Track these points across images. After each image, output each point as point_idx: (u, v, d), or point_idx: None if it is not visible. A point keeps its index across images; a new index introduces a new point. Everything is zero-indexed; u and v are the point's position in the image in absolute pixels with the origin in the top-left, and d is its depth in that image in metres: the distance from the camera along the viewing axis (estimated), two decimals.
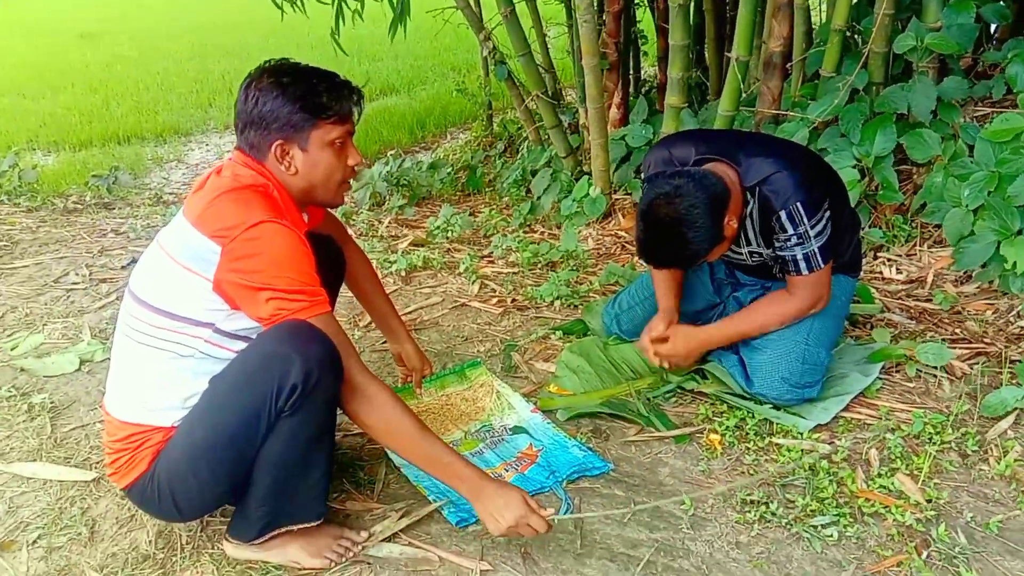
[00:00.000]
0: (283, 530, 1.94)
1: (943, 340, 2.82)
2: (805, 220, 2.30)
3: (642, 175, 2.57)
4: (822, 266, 2.37)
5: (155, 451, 1.84)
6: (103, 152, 7.54)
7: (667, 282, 2.64)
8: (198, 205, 1.79)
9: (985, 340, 2.83)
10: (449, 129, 8.12)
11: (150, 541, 2.04)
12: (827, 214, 2.34)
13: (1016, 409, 2.41)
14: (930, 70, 3.62)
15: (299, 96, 1.80)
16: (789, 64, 3.97)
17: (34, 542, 2.07)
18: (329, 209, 2.19)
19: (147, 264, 1.88)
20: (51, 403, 2.65)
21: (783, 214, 2.30)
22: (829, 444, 2.34)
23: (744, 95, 4.14)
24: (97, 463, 2.35)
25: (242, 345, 1.84)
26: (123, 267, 3.74)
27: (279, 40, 11.29)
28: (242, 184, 1.80)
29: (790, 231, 2.31)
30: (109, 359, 2.85)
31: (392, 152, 6.39)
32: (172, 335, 1.80)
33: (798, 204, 2.28)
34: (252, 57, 11.01)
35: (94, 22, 14.62)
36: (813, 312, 2.46)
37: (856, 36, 3.96)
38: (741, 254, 2.53)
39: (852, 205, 3.42)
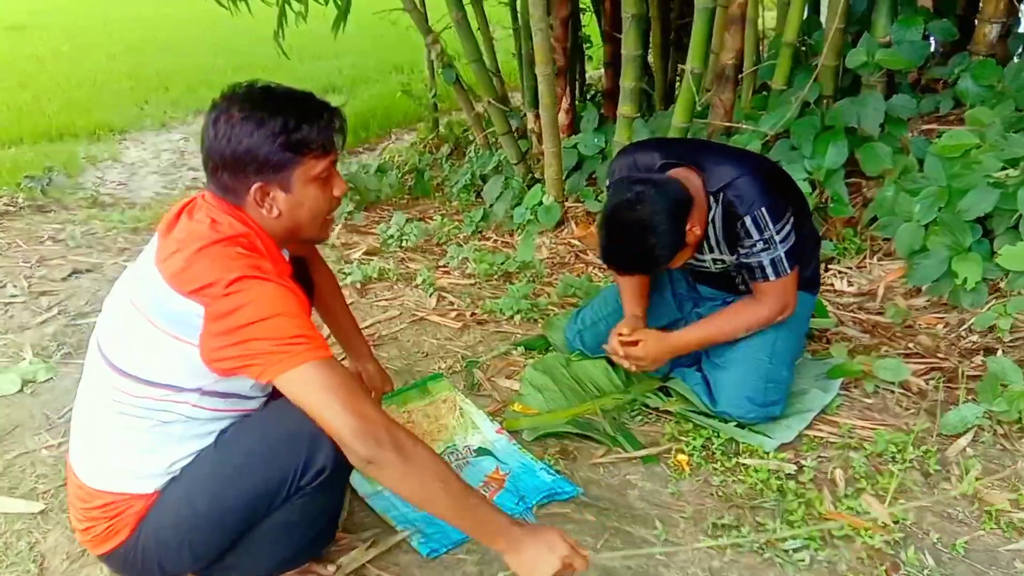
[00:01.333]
0: None
1: (897, 355, 2.86)
2: (770, 225, 2.30)
3: (607, 182, 2.55)
4: (788, 272, 2.37)
5: (137, 518, 1.70)
6: (34, 150, 7.27)
7: (633, 290, 2.63)
8: (175, 261, 1.59)
9: (939, 355, 2.88)
10: (393, 130, 8.03)
11: None
12: (791, 220, 2.35)
13: (975, 426, 2.45)
14: (878, 84, 3.68)
15: (278, 132, 1.59)
16: (740, 76, 4.00)
17: None
18: None
19: (118, 324, 1.67)
20: None
21: (748, 219, 2.30)
22: (794, 464, 2.35)
23: (697, 107, 4.16)
24: (45, 493, 2.25)
25: (230, 403, 1.70)
26: (63, 279, 3.60)
27: (218, 36, 11.08)
28: (222, 236, 1.61)
29: (755, 236, 2.31)
30: (52, 379, 2.80)
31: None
32: (155, 403, 1.63)
33: (763, 209, 2.28)
34: (190, 53, 10.84)
35: (23, 14, 14.12)
36: (781, 318, 2.46)
37: (805, 49, 4.00)
38: (704, 261, 2.53)
39: None
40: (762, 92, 4.18)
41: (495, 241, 4.28)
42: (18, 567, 2.00)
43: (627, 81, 4.03)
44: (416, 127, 7.64)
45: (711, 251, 2.47)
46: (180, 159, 7.21)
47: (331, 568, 1.97)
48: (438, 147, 6.40)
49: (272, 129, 1.60)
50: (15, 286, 3.50)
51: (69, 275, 3.68)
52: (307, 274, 2.21)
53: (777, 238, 2.32)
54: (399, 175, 5.57)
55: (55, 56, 11.02)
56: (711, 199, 2.34)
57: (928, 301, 3.25)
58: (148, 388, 1.63)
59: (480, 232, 4.43)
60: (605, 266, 2.35)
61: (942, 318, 3.12)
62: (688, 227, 2.26)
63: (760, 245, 2.33)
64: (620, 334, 2.54)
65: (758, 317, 2.46)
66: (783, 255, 2.34)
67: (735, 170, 2.33)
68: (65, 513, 2.15)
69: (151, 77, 9.86)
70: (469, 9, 5.08)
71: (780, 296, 2.42)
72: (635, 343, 2.52)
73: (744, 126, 3.80)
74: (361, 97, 8.84)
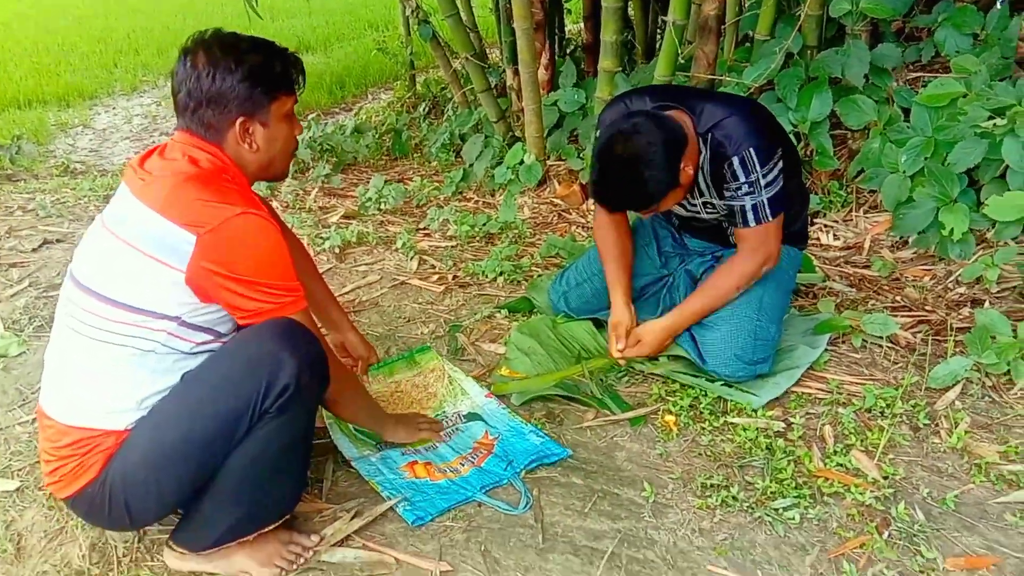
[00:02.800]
0: (238, 540, 1.83)
1: (884, 308, 2.84)
2: (757, 167, 2.26)
3: (597, 131, 2.49)
4: (771, 219, 2.34)
5: (106, 456, 1.70)
6: (2, 118, 7.12)
7: (616, 261, 2.58)
8: (158, 191, 1.66)
9: (926, 308, 2.85)
10: (370, 89, 7.91)
11: (83, 555, 1.91)
12: (779, 165, 2.31)
13: (963, 379, 2.43)
14: (863, 34, 3.61)
15: (258, 68, 1.72)
16: (722, 27, 3.92)
17: None
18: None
19: (97, 252, 1.72)
20: None
21: (735, 160, 2.26)
22: (783, 421, 2.32)
23: (680, 59, 4.08)
24: (19, 471, 2.19)
25: (204, 337, 1.74)
26: (34, 250, 3.51)
27: None
28: (204, 170, 1.71)
29: (741, 178, 2.28)
30: (24, 353, 2.73)
31: (313, 115, 6.17)
32: (132, 329, 1.66)
33: (751, 149, 2.25)
34: (159, 15, 10.62)
35: None
36: (766, 268, 2.42)
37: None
38: (695, 205, 2.48)
39: None
40: (745, 44, 4.11)
41: (476, 202, 4.22)
42: None
43: (607, 35, 3.94)
44: (393, 86, 7.52)
45: (701, 195, 2.43)
46: (152, 123, 7.09)
47: (314, 539, 1.93)
48: (415, 106, 6.29)
49: (251, 66, 1.71)
50: None
51: (40, 246, 3.59)
52: None
53: (763, 181, 2.28)
54: (376, 135, 5.48)
55: (20, 20, 10.77)
56: (700, 141, 2.30)
57: (915, 253, 3.22)
58: (128, 313, 1.66)
59: (460, 193, 4.36)
60: (595, 201, 2.29)
61: (929, 270, 3.10)
62: (682, 165, 2.21)
63: (745, 188, 2.29)
64: (619, 349, 2.51)
65: (743, 272, 2.43)
66: (766, 199, 2.30)
67: (725, 111, 2.29)
68: (42, 491, 2.11)
69: (120, 40, 9.65)
70: None
71: (762, 244, 2.39)
72: (636, 342, 2.50)
73: (727, 78, 3.73)
74: (336, 56, 8.70)
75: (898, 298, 2.94)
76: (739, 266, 2.43)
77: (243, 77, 1.70)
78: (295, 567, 1.88)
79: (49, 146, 6.29)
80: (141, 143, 6.38)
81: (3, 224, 3.82)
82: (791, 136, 3.43)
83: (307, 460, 1.93)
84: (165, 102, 7.65)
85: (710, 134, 2.29)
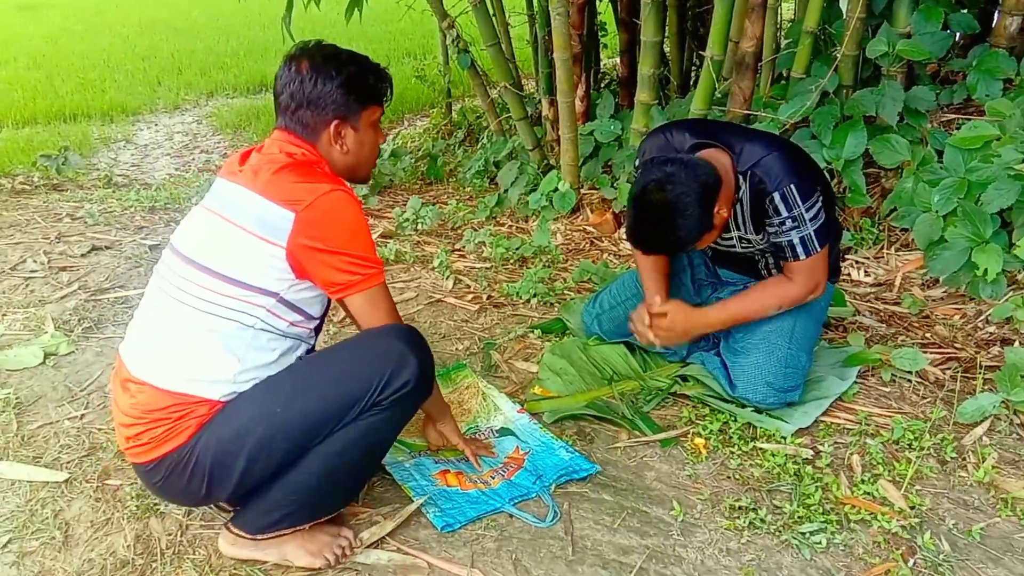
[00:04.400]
0: (293, 528, 1.91)
1: (914, 344, 2.87)
2: (799, 203, 2.30)
3: (636, 162, 2.55)
4: (819, 250, 2.37)
5: (198, 424, 1.79)
6: (48, 130, 7.30)
7: (654, 273, 2.63)
8: (259, 177, 1.83)
9: (955, 345, 2.88)
10: (406, 115, 8.03)
11: (128, 546, 1.98)
12: (820, 200, 2.35)
13: (991, 415, 2.45)
14: (899, 75, 3.67)
15: (354, 78, 1.89)
16: (759, 64, 3.99)
17: (4, 546, 1.99)
18: None
19: (203, 230, 1.87)
20: (16, 399, 2.54)
21: (776, 195, 2.30)
22: (811, 449, 2.36)
23: (716, 94, 4.15)
24: (68, 463, 2.27)
25: (297, 317, 1.88)
26: (83, 255, 3.61)
27: (229, 20, 11.06)
28: (300, 161, 1.86)
29: (784, 213, 2.32)
30: (73, 353, 2.82)
31: None
32: (237, 303, 1.80)
33: (791, 186, 2.29)
34: (202, 36, 10.84)
35: None
36: (813, 296, 2.47)
37: (824, 38, 3.99)
38: (730, 239, 2.53)
39: None
40: (780, 81, 4.17)
41: (509, 226, 4.29)
42: (43, 534, 2.02)
43: (645, 68, 4.03)
44: (429, 113, 7.64)
45: (737, 229, 2.47)
46: (192, 141, 7.23)
47: (362, 535, 2.00)
48: (451, 133, 6.40)
49: (350, 76, 1.89)
50: (35, 261, 3.51)
51: (88, 251, 3.70)
52: None
53: (807, 216, 2.32)
54: (412, 160, 5.58)
55: (68, 35, 11.04)
56: (740, 179, 2.35)
57: (945, 292, 3.25)
58: (233, 287, 1.80)
59: (494, 217, 4.44)
60: (630, 244, 2.35)
61: (959, 309, 3.12)
62: (716, 209, 2.26)
63: (789, 223, 2.33)
64: (650, 304, 2.56)
65: (788, 295, 2.46)
66: (812, 233, 2.34)
67: (765, 149, 2.33)
68: (90, 483, 2.18)
69: (164, 59, 9.87)
70: None
71: (812, 274, 2.43)
72: (663, 315, 2.54)
73: (763, 114, 3.79)
74: None
75: (927, 335, 2.97)
76: (786, 289, 2.46)
77: (340, 84, 1.86)
78: (342, 560, 1.94)
79: (92, 159, 6.44)
80: (181, 159, 6.52)
81: (53, 229, 3.94)
82: (825, 172, 3.51)
83: (376, 465, 2.08)
84: (206, 120, 7.81)
85: (750, 172, 2.34)
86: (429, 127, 6.93)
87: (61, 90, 8.48)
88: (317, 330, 2.01)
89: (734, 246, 2.55)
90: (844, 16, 3.79)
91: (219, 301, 1.80)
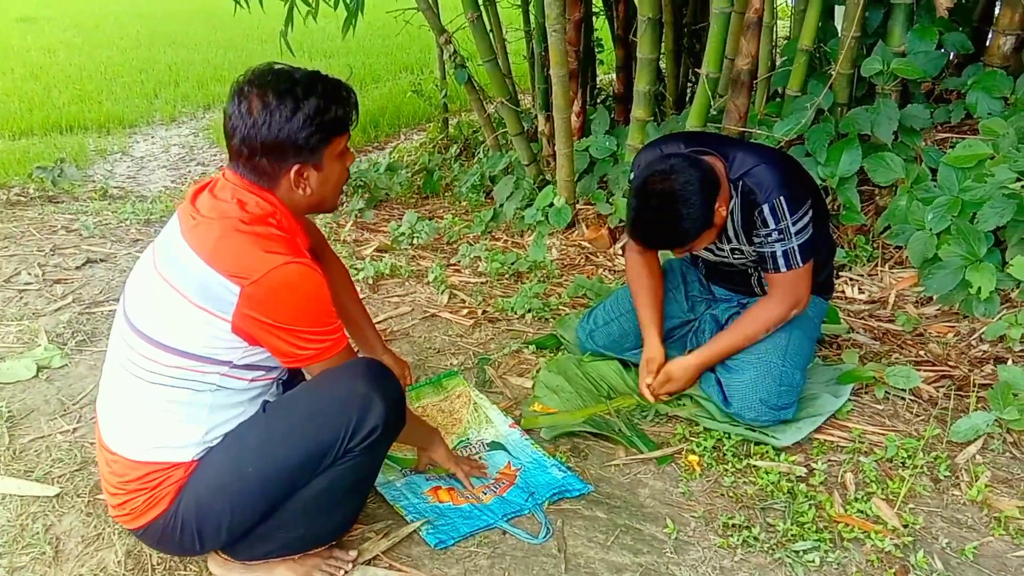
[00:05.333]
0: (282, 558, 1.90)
1: (907, 362, 2.87)
2: (787, 215, 2.31)
3: (631, 176, 2.56)
4: (801, 265, 2.38)
5: (177, 487, 1.75)
6: (44, 142, 7.29)
7: (648, 298, 2.64)
8: (206, 238, 1.69)
9: (949, 363, 2.88)
10: (403, 129, 8.04)
11: (119, 562, 1.97)
12: (809, 213, 2.36)
13: (985, 434, 2.45)
14: (893, 93, 3.68)
15: (313, 115, 1.69)
16: (754, 82, 4.01)
17: None
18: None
19: (149, 297, 1.75)
20: (8, 412, 2.54)
21: (766, 207, 2.31)
22: (805, 467, 2.35)
23: (712, 111, 4.17)
24: (60, 477, 2.26)
25: (257, 373, 1.79)
26: (77, 268, 3.61)
27: (228, 32, 11.08)
28: (252, 216, 1.71)
29: (771, 225, 2.33)
30: (66, 366, 2.81)
31: None
32: (185, 372, 1.72)
33: (781, 199, 2.31)
34: (200, 48, 10.85)
35: (34, 5, 14.12)
36: (796, 312, 2.47)
37: (819, 56, 4.01)
38: (724, 251, 2.54)
39: None
40: (776, 98, 4.19)
41: (504, 241, 4.29)
42: (34, 548, 2.02)
43: (641, 84, 4.04)
44: (425, 127, 7.65)
45: (730, 241, 2.48)
46: (189, 154, 7.22)
47: (352, 554, 1.99)
48: (447, 147, 6.40)
49: (307, 112, 1.69)
50: (29, 273, 3.51)
51: (83, 264, 3.69)
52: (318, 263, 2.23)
53: (792, 229, 2.33)
54: (409, 174, 5.58)
55: (66, 48, 11.02)
56: (732, 187, 2.36)
57: (939, 310, 3.25)
58: (179, 358, 1.70)
59: (490, 232, 4.44)
60: (632, 239, 2.35)
61: (952, 327, 3.13)
62: (716, 206, 2.27)
63: (775, 235, 2.34)
64: (648, 384, 2.58)
65: (771, 315, 2.47)
66: (796, 247, 2.35)
67: (756, 159, 2.35)
68: (81, 498, 2.18)
69: (161, 71, 9.86)
70: (483, 10, 5.12)
71: (791, 289, 2.43)
72: (667, 381, 2.57)
73: (758, 131, 3.81)
74: (371, 96, 8.84)
75: (921, 353, 2.97)
76: (769, 309, 2.48)
77: (300, 126, 1.68)
78: None
79: (88, 171, 6.43)
80: (178, 172, 6.51)
81: (47, 242, 3.93)
82: (819, 187, 3.52)
83: (368, 492, 2.01)
84: (203, 133, 7.81)
85: (741, 181, 2.35)
86: (425, 141, 6.93)
87: (58, 102, 8.47)
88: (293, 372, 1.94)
89: (727, 256, 2.55)
90: (839, 34, 3.81)
91: (168, 373, 1.71)
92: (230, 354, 1.72)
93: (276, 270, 1.65)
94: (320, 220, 4.43)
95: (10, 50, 10.76)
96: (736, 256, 2.54)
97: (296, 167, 1.73)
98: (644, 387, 2.58)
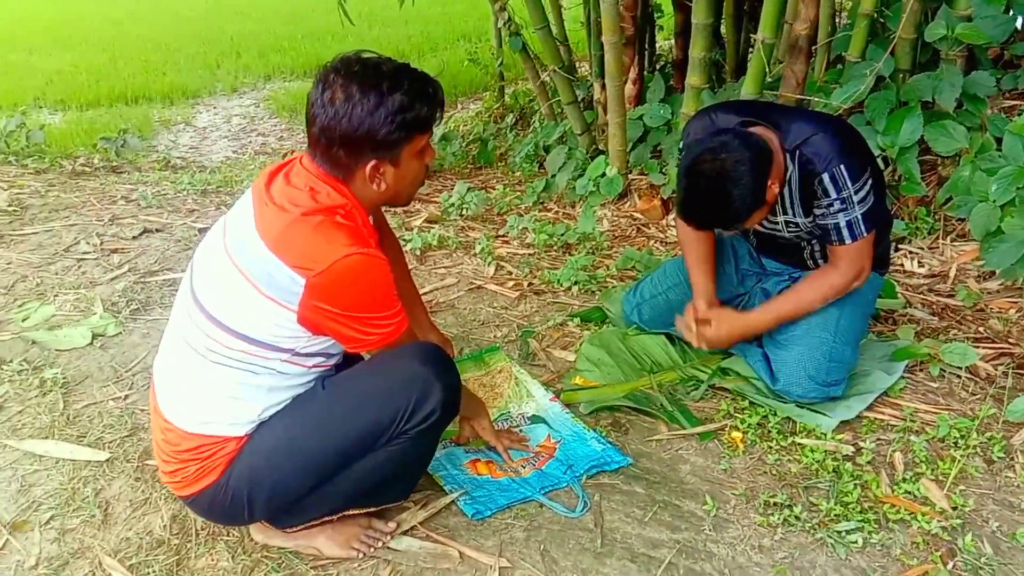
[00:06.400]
0: (322, 519, 1.93)
1: (966, 338, 2.78)
2: (848, 184, 2.24)
3: (681, 144, 2.50)
4: (865, 234, 2.30)
5: (228, 459, 1.78)
6: (110, 112, 7.47)
7: (701, 262, 2.59)
8: (274, 225, 1.68)
9: (1009, 340, 2.79)
10: (459, 99, 8.02)
11: (164, 526, 2.02)
12: (869, 182, 2.28)
13: None
14: (958, 59, 3.54)
15: (395, 112, 1.65)
16: (813, 47, 3.89)
17: (47, 523, 2.05)
18: None
19: (218, 278, 1.76)
20: (63, 378, 2.61)
21: (826, 176, 2.24)
22: (852, 445, 2.30)
23: (768, 78, 4.06)
24: (111, 443, 2.32)
25: (317, 360, 1.81)
26: (134, 237, 3.68)
27: (293, 4, 11.15)
28: (321, 206, 1.69)
29: (833, 195, 2.26)
30: (120, 334, 2.88)
31: None
32: (248, 356, 1.73)
33: (841, 167, 2.23)
34: (264, 19, 10.96)
35: None
36: (857, 284, 2.40)
37: (883, 21, 3.87)
38: (776, 223, 2.47)
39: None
40: (837, 65, 4.06)
41: (556, 212, 4.26)
42: (84, 511, 2.08)
43: (696, 51, 3.95)
44: (482, 96, 7.62)
45: (784, 213, 2.41)
46: (250, 124, 7.32)
47: (392, 525, 2.01)
48: (503, 116, 6.37)
49: (390, 109, 1.65)
50: (88, 243, 3.59)
51: (140, 234, 3.76)
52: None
53: (855, 198, 2.25)
54: (463, 144, 5.57)
55: (133, 19, 11.23)
56: (787, 158, 2.29)
57: (1001, 285, 3.15)
58: (245, 343, 1.72)
59: (542, 203, 4.42)
60: (680, 218, 2.30)
61: (1015, 302, 3.02)
62: (768, 183, 2.21)
63: (837, 205, 2.27)
64: (697, 309, 2.52)
65: (832, 284, 2.40)
66: (859, 216, 2.28)
67: (813, 128, 2.27)
68: (131, 463, 2.23)
69: (223, 42, 9.99)
70: None
71: (855, 260, 2.36)
72: (708, 322, 2.50)
73: (816, 99, 3.70)
74: (428, 65, 8.71)
75: (981, 329, 2.88)
76: (830, 278, 2.41)
77: (382, 120, 1.65)
78: (372, 551, 1.95)
79: (152, 141, 6.57)
80: (239, 142, 6.61)
81: (107, 212, 4.02)
82: (879, 160, 3.41)
83: (417, 473, 2.03)
84: (263, 104, 7.90)
85: (798, 151, 2.28)
86: (481, 111, 6.91)
87: (124, 72, 8.65)
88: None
89: (780, 230, 2.49)
90: None
91: (231, 355, 1.73)
92: (294, 342, 1.73)
93: (340, 261, 1.64)
94: None
95: (80, 21, 11.02)
96: (790, 229, 2.47)
97: (373, 162, 1.71)
98: (688, 314, 2.53)
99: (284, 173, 1.77)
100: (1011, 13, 3.52)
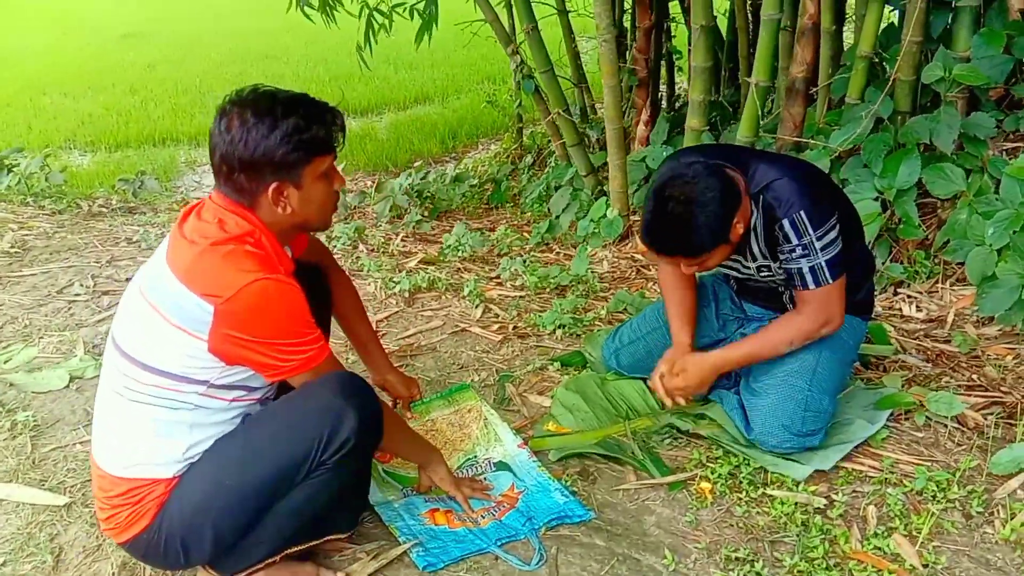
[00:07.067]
0: (266, 563, 1.90)
1: (958, 386, 2.70)
2: (810, 230, 2.20)
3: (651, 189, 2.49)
4: (831, 281, 2.25)
5: (159, 503, 1.78)
6: (138, 153, 7.63)
7: (680, 307, 2.55)
8: (184, 257, 1.72)
9: (1002, 388, 2.70)
10: (481, 140, 8.08)
11: (113, 573, 2.00)
12: (835, 228, 2.24)
13: None
14: (959, 100, 3.48)
15: (291, 133, 1.70)
16: (814, 90, 3.86)
17: None
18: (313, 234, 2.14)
19: (132, 316, 1.79)
20: (34, 421, 2.61)
21: (786, 222, 2.21)
22: (825, 498, 2.23)
23: (768, 120, 4.04)
24: (72, 487, 2.31)
25: (237, 393, 1.81)
26: (127, 279, 3.71)
27: (318, 47, 11.33)
28: (229, 235, 1.73)
29: (794, 241, 2.22)
30: (98, 376, 2.87)
31: (418, 163, 6.38)
32: (164, 391, 1.74)
33: (801, 212, 2.19)
34: (292, 62, 11.13)
35: (137, 23, 14.75)
36: (826, 331, 2.34)
37: (884, 63, 3.83)
38: (750, 269, 2.43)
39: (871, 238, 3.34)
40: (841, 107, 4.02)
41: (557, 253, 4.25)
42: (35, 557, 2.07)
43: (695, 93, 3.95)
44: (502, 137, 7.67)
45: (755, 259, 2.38)
46: None
47: (340, 575, 1.97)
48: (520, 158, 6.40)
49: (286, 131, 1.70)
50: (82, 285, 3.61)
51: (134, 275, 3.79)
52: (323, 282, 2.24)
53: (818, 244, 2.21)
54: (475, 185, 5.60)
55: (164, 63, 11.47)
56: (752, 203, 2.26)
57: (1000, 331, 3.06)
58: (157, 377, 1.73)
59: (545, 244, 4.41)
60: (644, 243, 2.26)
61: (1013, 349, 2.93)
62: (734, 221, 2.17)
63: (799, 251, 2.23)
64: (661, 374, 2.48)
65: (800, 328, 2.34)
66: (824, 263, 2.23)
67: (777, 172, 2.25)
68: (88, 508, 2.22)
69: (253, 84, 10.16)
70: (552, 20, 5.11)
71: (822, 307, 2.30)
72: (677, 374, 2.46)
73: (814, 141, 3.66)
74: (451, 107, 8.92)
75: (975, 376, 2.79)
76: (797, 322, 2.35)
77: (277, 143, 1.69)
78: None
79: (177, 181, 6.69)
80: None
81: (107, 253, 4.06)
82: (875, 203, 3.36)
83: (356, 504, 2.02)
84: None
85: (761, 196, 2.25)
86: (499, 152, 6.95)
87: (153, 115, 8.84)
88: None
89: (753, 274, 2.45)
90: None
91: (147, 391, 1.74)
92: (207, 374, 1.74)
93: (248, 287, 1.66)
94: (376, 231, 4.48)
95: (113, 66, 11.28)
96: (763, 273, 2.43)
97: (275, 184, 1.73)
98: (656, 378, 2.47)
99: (196, 211, 1.81)
100: (1011, 55, 3.44)
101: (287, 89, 1.79)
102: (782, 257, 2.29)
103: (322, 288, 2.24)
